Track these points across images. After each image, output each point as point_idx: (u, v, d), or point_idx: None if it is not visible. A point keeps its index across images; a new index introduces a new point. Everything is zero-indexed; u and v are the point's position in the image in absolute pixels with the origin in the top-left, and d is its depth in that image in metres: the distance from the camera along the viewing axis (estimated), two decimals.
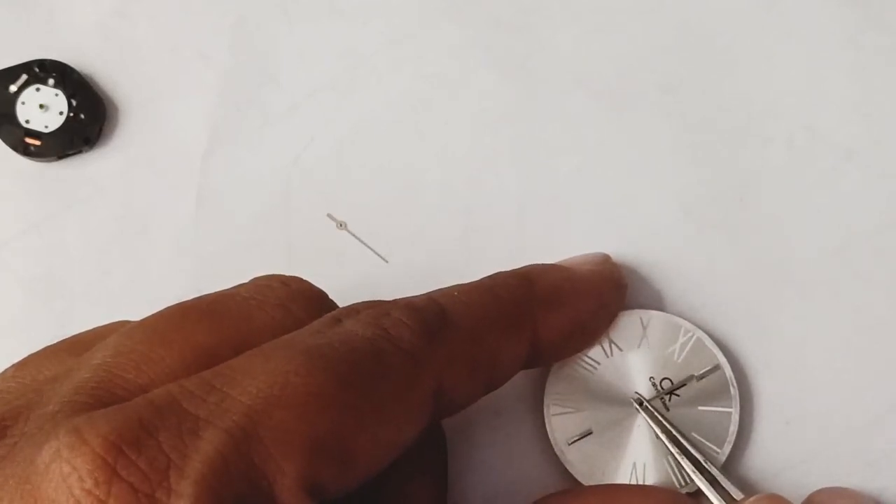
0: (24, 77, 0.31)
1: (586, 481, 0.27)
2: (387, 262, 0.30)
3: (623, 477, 0.27)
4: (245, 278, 0.24)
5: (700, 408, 0.27)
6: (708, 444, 0.27)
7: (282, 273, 0.24)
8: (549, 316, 0.25)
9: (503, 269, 0.26)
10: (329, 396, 0.19)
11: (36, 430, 0.18)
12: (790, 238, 0.29)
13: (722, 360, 0.27)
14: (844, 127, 0.30)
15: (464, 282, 0.25)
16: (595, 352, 0.28)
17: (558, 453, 0.27)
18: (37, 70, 0.31)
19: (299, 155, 0.31)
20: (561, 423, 0.27)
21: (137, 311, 0.30)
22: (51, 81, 0.31)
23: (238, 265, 0.30)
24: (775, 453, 0.28)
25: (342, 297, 0.24)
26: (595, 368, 0.27)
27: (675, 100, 0.31)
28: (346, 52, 0.32)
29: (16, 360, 0.30)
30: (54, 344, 0.24)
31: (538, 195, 0.30)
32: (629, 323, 0.28)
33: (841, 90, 0.30)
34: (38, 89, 0.31)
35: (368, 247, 0.30)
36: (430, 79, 0.31)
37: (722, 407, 0.27)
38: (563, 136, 0.31)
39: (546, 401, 0.27)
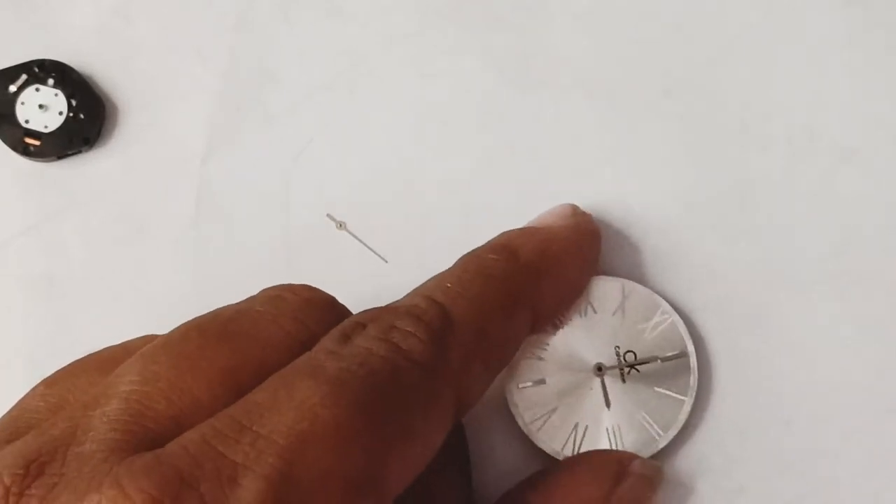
0: (23, 77, 0.31)
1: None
2: (387, 262, 0.30)
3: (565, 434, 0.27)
4: (245, 278, 0.24)
5: (656, 388, 0.27)
6: (654, 425, 0.27)
7: (286, 281, 0.24)
8: (541, 283, 0.25)
9: None
10: (357, 427, 0.19)
11: (76, 474, 0.18)
12: (790, 238, 0.29)
13: (690, 348, 0.27)
14: (844, 127, 0.30)
15: None
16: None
17: (507, 396, 0.27)
18: (36, 70, 0.31)
19: (299, 155, 0.31)
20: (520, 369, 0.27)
21: (137, 311, 0.30)
22: (50, 81, 0.31)
23: (238, 265, 0.30)
24: (775, 453, 0.28)
25: (342, 297, 0.24)
26: (563, 326, 0.27)
27: (675, 100, 0.31)
28: (346, 52, 0.32)
29: (16, 359, 0.30)
30: (83, 359, 0.24)
31: (538, 195, 0.30)
32: (611, 289, 0.28)
33: (841, 90, 0.30)
34: (37, 89, 0.31)
35: (368, 247, 0.30)
36: (430, 79, 0.31)
37: (677, 393, 0.27)
38: (563, 136, 0.31)
39: None
